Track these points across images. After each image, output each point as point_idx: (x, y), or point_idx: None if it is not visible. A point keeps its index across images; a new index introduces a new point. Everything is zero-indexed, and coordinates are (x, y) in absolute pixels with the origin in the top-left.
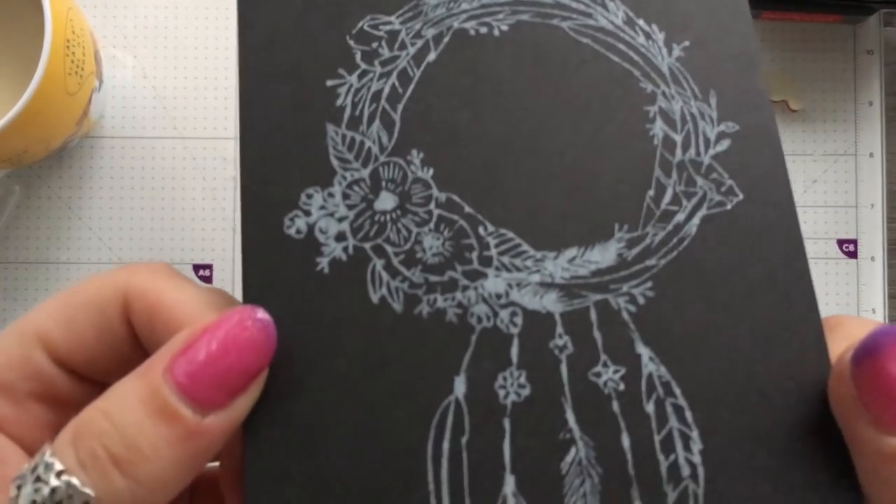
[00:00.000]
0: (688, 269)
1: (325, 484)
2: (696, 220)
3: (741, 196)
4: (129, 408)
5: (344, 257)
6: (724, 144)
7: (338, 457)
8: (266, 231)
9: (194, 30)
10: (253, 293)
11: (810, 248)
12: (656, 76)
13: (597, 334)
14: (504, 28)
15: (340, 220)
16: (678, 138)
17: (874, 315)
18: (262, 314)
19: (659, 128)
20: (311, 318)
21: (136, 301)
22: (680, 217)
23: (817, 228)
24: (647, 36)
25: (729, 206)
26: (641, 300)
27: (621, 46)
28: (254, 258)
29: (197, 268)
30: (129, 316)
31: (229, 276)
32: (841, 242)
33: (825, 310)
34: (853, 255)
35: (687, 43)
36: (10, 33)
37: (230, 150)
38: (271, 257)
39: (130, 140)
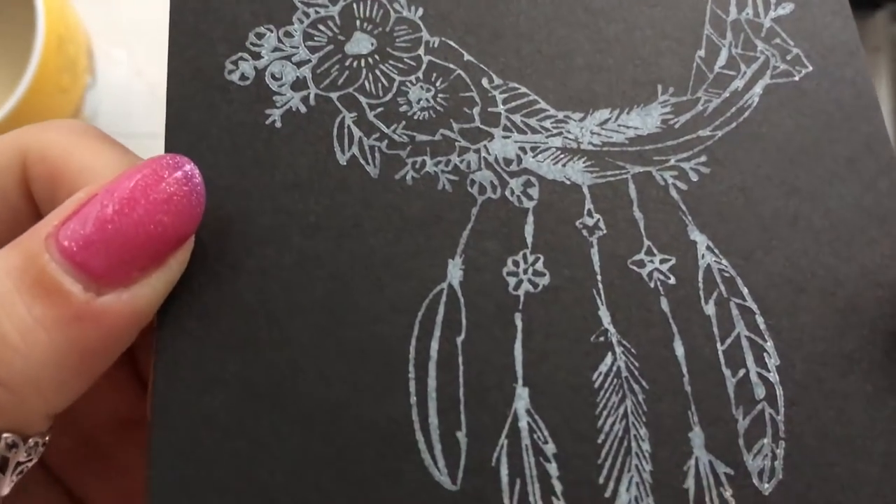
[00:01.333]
0: (751, 143)
1: (269, 394)
2: (758, 89)
3: (810, 68)
4: None
5: (303, 108)
6: (787, 8)
7: (288, 359)
8: (200, 75)
9: None
10: (177, 148)
11: None
12: None
13: (638, 214)
14: None
15: (299, 64)
16: None
17: None
18: (188, 167)
19: None
20: (257, 182)
21: (37, 165)
22: (738, 84)
23: None
24: None
25: (797, 78)
26: (694, 176)
27: None
28: (181, 108)
29: None
30: (28, 184)
31: None
32: None
33: None
34: None
35: None
36: (2, 29)
37: None
38: (205, 107)
39: (125, 137)
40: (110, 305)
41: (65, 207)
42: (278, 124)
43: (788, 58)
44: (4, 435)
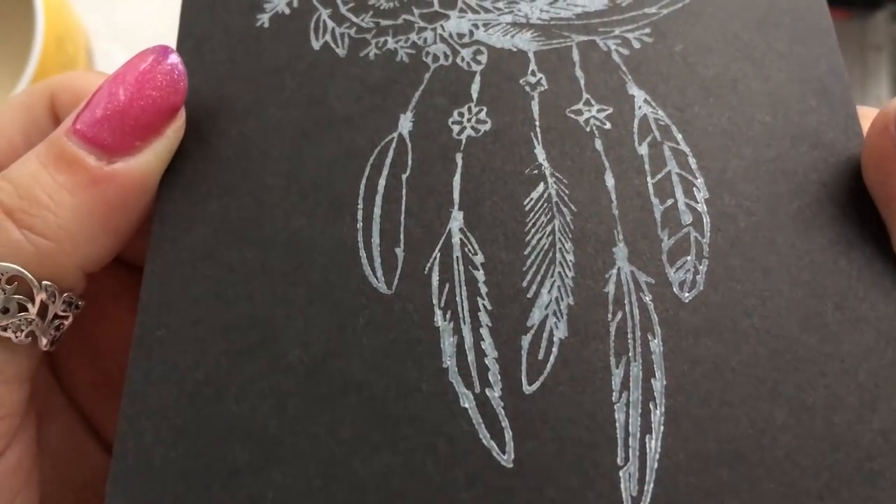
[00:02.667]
0: (695, 20)
1: (242, 226)
2: None
3: None
4: (25, 163)
5: (287, 11)
6: None
7: (259, 199)
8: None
9: None
10: (185, 51)
11: None
12: None
13: (579, 73)
14: None
15: None
16: None
17: None
18: (170, 50)
19: None
20: (245, 69)
21: (63, 94)
22: None
23: None
24: None
25: None
26: (637, 44)
27: None
28: (190, 19)
29: None
30: (57, 112)
31: None
32: None
33: None
34: None
35: None
36: (1, 28)
37: None
38: (209, 16)
39: None
40: (120, 169)
41: (79, 106)
42: (266, 25)
43: None
44: (45, 282)
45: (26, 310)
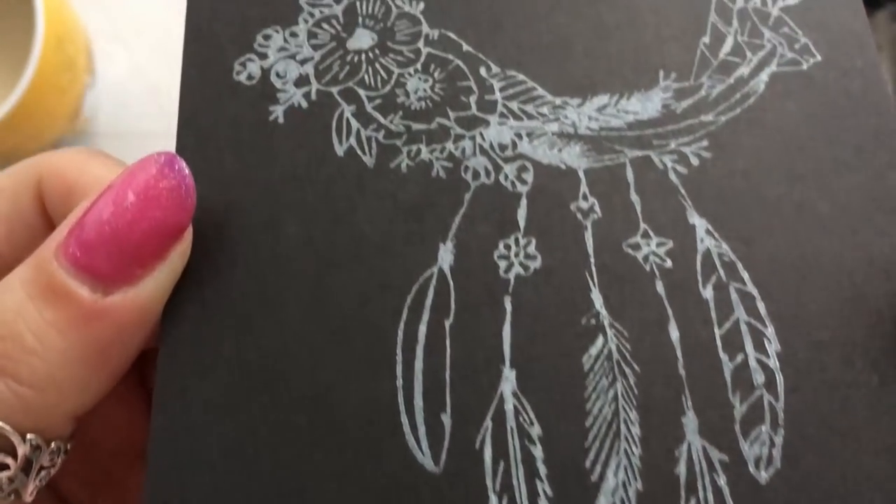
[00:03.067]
0: (755, 130)
1: (261, 376)
2: (763, 77)
3: (819, 57)
4: (8, 292)
5: (304, 104)
6: None
7: (280, 342)
8: (210, 76)
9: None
10: (187, 149)
11: None
12: None
13: (635, 197)
14: None
15: (303, 62)
16: None
17: None
18: (177, 160)
19: None
20: (258, 174)
21: (52, 181)
22: (743, 70)
23: None
24: None
25: (804, 67)
26: (695, 160)
27: None
28: (191, 109)
29: None
30: (44, 202)
31: None
32: None
33: None
34: None
35: None
36: (1, 29)
37: None
38: (214, 106)
39: (124, 137)
40: (118, 303)
41: (70, 218)
42: (280, 120)
43: (796, 47)
44: (29, 436)
45: (7, 467)
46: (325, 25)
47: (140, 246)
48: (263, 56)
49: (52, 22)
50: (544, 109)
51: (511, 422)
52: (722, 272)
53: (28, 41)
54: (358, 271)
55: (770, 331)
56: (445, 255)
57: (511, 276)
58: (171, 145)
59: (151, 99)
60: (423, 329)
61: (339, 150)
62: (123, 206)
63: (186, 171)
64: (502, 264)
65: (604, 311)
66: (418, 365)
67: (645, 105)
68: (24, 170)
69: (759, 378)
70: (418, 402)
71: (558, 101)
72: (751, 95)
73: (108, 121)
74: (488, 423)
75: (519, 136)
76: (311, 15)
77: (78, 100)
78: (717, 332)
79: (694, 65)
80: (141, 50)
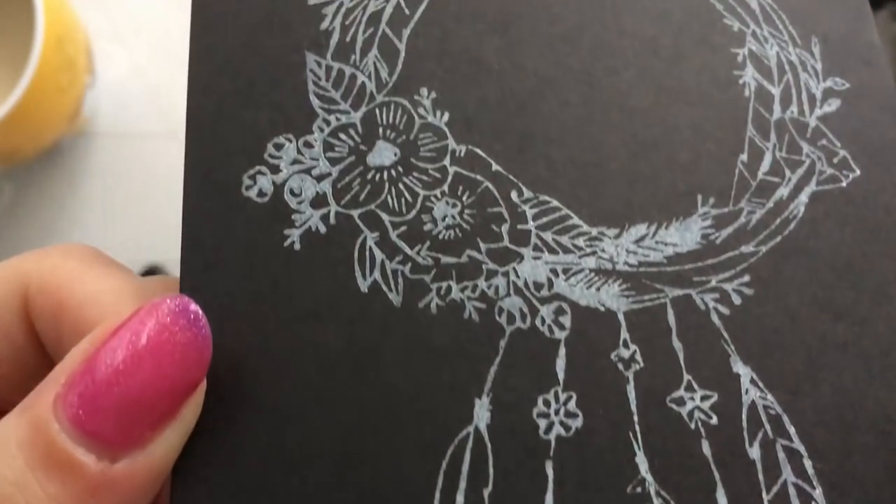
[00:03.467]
0: (796, 260)
1: None
2: (803, 198)
3: (858, 172)
4: (5, 455)
5: (323, 229)
6: (833, 105)
7: (308, 500)
8: (216, 191)
9: (187, 25)
10: (193, 278)
11: None
12: (744, 12)
13: (677, 344)
14: None
15: (320, 178)
16: (775, 91)
17: None
18: (192, 307)
19: (751, 76)
20: (274, 310)
21: (40, 296)
22: (783, 192)
23: None
24: None
25: (844, 184)
26: (737, 299)
27: None
28: (197, 229)
29: None
30: (31, 319)
31: None
32: None
33: None
34: None
35: None
36: (1, 28)
37: None
38: (221, 226)
39: (124, 137)
40: (127, 470)
41: (69, 362)
42: (297, 246)
43: (835, 161)
44: None
45: None
46: (342, 136)
47: (152, 407)
48: (275, 169)
49: (53, 22)
50: (580, 241)
51: None
52: (768, 427)
53: (28, 41)
54: (387, 429)
55: (818, 492)
56: (482, 413)
57: (552, 437)
58: (170, 145)
59: (151, 99)
60: (460, 500)
61: (363, 285)
62: (133, 362)
63: (203, 320)
64: (542, 423)
65: (650, 478)
66: None
67: (684, 235)
68: (6, 279)
69: None
70: None
71: (594, 231)
72: (791, 220)
73: (108, 121)
74: None
75: (555, 272)
76: (327, 122)
77: (78, 100)
78: (766, 496)
79: (733, 187)
80: (141, 50)
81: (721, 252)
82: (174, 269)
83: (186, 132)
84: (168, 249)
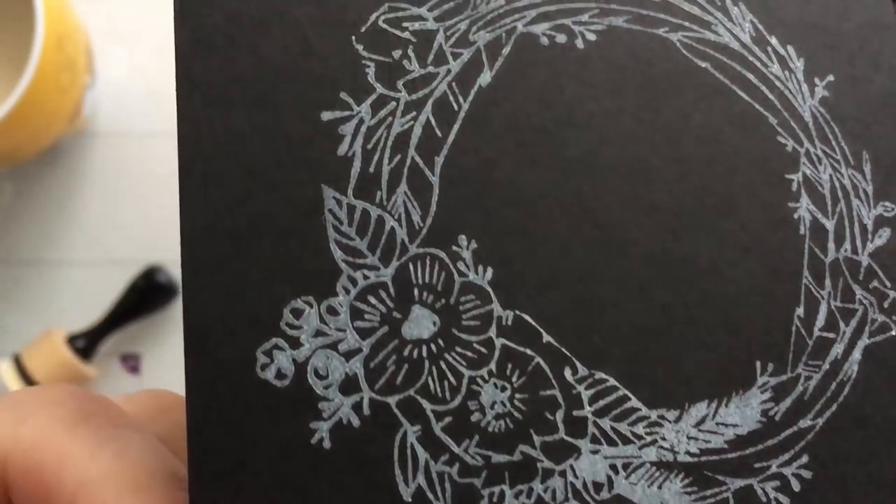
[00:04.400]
0: (852, 432)
1: None
2: (857, 354)
3: None
4: None
5: (356, 421)
6: (884, 236)
7: None
8: (226, 373)
9: None
10: (203, 490)
11: None
12: (797, 126)
13: None
14: (591, 37)
15: (348, 355)
16: (830, 225)
17: None
18: None
19: (805, 208)
20: None
21: (22, 481)
22: (838, 349)
23: None
24: (784, 63)
25: (894, 332)
26: (797, 485)
27: (751, 77)
28: (205, 421)
29: None
30: (10, 498)
31: None
32: None
33: None
34: None
35: (831, 77)
36: (2, 28)
37: None
38: (235, 418)
39: (124, 137)
40: None
41: None
42: (326, 443)
43: (886, 305)
44: None
45: None
46: (371, 298)
47: None
48: (295, 343)
49: (53, 22)
50: (639, 428)
51: None
52: None
53: (28, 41)
54: None
55: None
56: None
57: None
58: (170, 145)
59: (151, 99)
60: None
61: (406, 493)
62: None
63: None
64: None
65: None
66: None
67: (744, 413)
68: None
69: None
70: None
71: (654, 415)
72: (846, 383)
73: (108, 121)
74: None
75: (615, 468)
76: (353, 281)
77: (78, 99)
78: None
79: (790, 349)
80: (141, 50)
81: (781, 430)
82: (174, 268)
83: (183, 294)
84: (168, 249)
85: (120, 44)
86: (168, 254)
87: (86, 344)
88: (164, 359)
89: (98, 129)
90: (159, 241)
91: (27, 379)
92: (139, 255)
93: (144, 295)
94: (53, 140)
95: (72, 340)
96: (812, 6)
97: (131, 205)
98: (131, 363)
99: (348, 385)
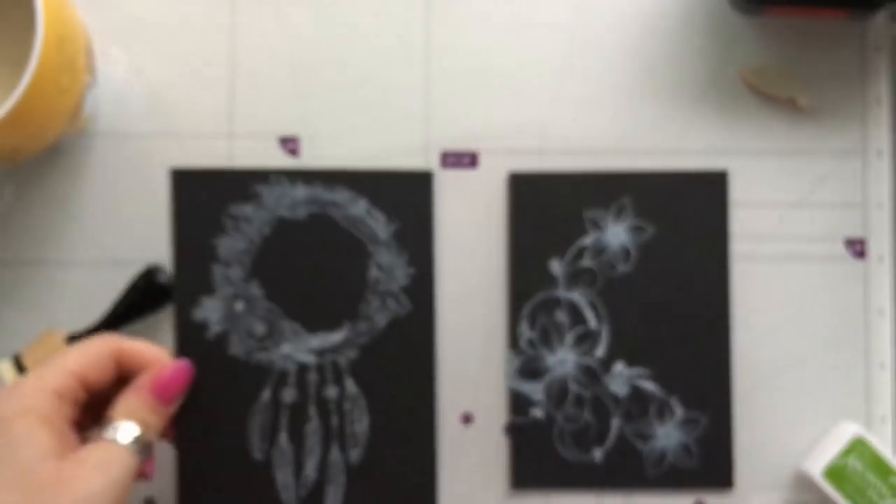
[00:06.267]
0: None
1: None
2: None
3: None
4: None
5: None
6: None
7: None
8: None
9: (188, 25)
10: None
11: (817, 248)
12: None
13: None
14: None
15: None
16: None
17: (882, 316)
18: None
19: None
20: None
21: (123, 357)
22: None
23: (825, 227)
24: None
25: None
26: None
27: None
28: None
29: None
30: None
31: None
32: (849, 242)
33: (834, 310)
34: (861, 255)
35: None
36: (1, 28)
37: (224, 148)
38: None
39: (124, 137)
40: (166, 411)
41: (147, 377)
42: None
43: None
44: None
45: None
46: None
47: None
48: None
49: (53, 22)
50: None
51: None
52: None
53: (28, 41)
54: None
55: None
56: None
57: None
58: (170, 145)
59: (151, 99)
60: None
61: None
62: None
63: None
64: None
65: None
66: None
67: None
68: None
69: None
70: None
71: None
72: None
73: (108, 121)
74: None
75: None
76: None
77: (78, 99)
78: None
79: None
80: (141, 50)
81: None
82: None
83: None
84: (167, 248)
85: (120, 44)
86: (168, 254)
87: None
88: None
89: (98, 129)
90: (159, 241)
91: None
92: (139, 255)
93: (144, 295)
94: (54, 140)
95: (72, 340)
96: None
97: (131, 205)
98: None
99: None
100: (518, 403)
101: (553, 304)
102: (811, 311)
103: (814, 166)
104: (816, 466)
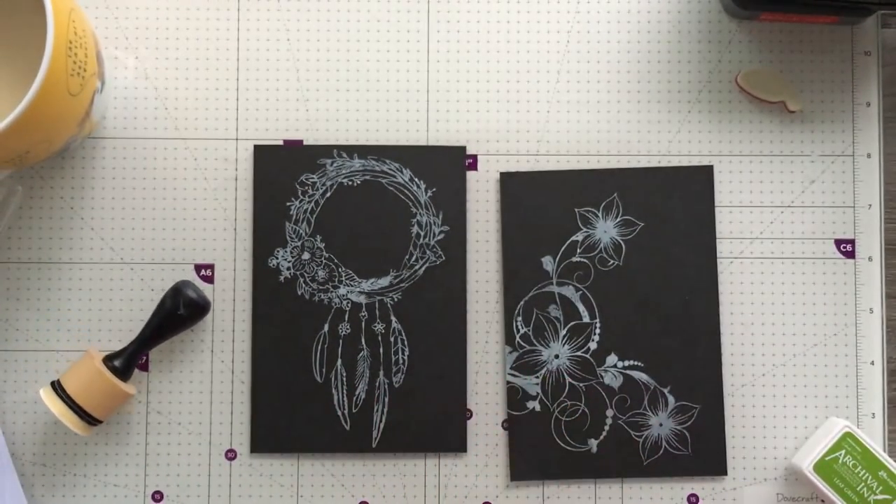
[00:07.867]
0: None
1: None
2: None
3: None
4: None
5: None
6: None
7: None
8: None
9: (196, 30)
10: None
11: (808, 248)
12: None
13: None
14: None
15: None
16: None
17: (872, 315)
18: None
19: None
20: None
21: None
22: None
23: (815, 228)
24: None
25: None
26: None
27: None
28: None
29: (198, 267)
30: None
31: (230, 276)
32: (839, 242)
33: (824, 309)
34: (851, 254)
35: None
36: (12, 34)
37: (231, 151)
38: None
39: (132, 141)
40: None
41: None
42: None
43: None
44: None
45: None
46: None
47: None
48: None
49: (63, 27)
50: None
51: None
52: None
53: (38, 47)
54: None
55: None
56: None
57: None
58: (178, 149)
59: (159, 104)
60: None
61: None
62: None
63: None
64: None
65: None
66: None
67: None
68: None
69: None
70: None
71: None
72: None
73: (117, 125)
74: None
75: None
76: None
77: (87, 104)
78: None
79: None
80: (150, 55)
81: None
82: (183, 269)
83: None
84: (174, 248)
85: (129, 49)
86: (176, 254)
87: (122, 363)
88: (172, 355)
89: (107, 133)
90: (167, 243)
91: (69, 401)
92: (147, 257)
93: (175, 312)
94: (63, 144)
95: (109, 360)
96: None
97: (139, 207)
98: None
99: None
100: (515, 398)
101: (546, 299)
102: (802, 309)
103: (805, 168)
104: (807, 461)
